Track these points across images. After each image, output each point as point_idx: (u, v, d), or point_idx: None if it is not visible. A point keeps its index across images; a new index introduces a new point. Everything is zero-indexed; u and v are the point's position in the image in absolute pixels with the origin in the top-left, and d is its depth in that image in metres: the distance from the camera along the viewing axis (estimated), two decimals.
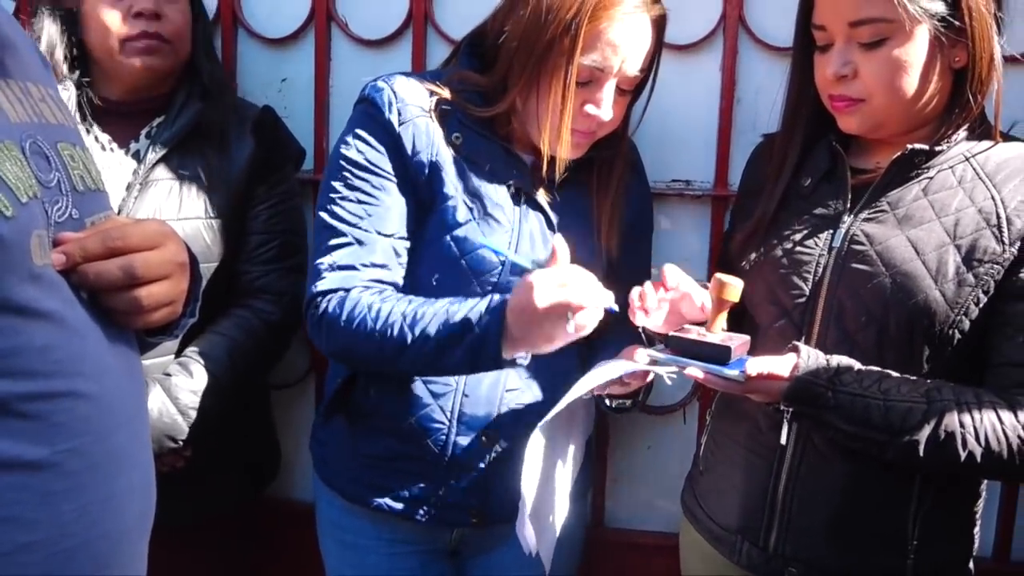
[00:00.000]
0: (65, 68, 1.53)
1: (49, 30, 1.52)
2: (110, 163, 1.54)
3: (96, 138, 1.56)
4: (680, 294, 1.26)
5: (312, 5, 1.82)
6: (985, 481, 1.37)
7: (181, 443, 1.49)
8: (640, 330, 1.32)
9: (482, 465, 1.42)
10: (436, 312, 1.27)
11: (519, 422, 1.40)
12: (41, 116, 0.90)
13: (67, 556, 0.85)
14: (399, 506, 1.45)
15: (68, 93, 1.53)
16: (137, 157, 1.56)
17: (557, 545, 1.44)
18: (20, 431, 0.80)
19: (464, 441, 1.40)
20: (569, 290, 1.15)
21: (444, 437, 1.41)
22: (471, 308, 1.24)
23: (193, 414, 1.49)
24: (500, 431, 1.42)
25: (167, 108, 1.59)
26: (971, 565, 1.35)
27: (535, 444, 1.27)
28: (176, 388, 1.49)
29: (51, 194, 0.86)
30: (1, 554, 0.80)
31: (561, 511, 1.40)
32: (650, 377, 1.32)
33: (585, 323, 1.17)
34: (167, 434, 1.47)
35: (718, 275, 1.23)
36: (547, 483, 1.34)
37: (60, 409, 0.83)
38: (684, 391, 1.82)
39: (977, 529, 1.36)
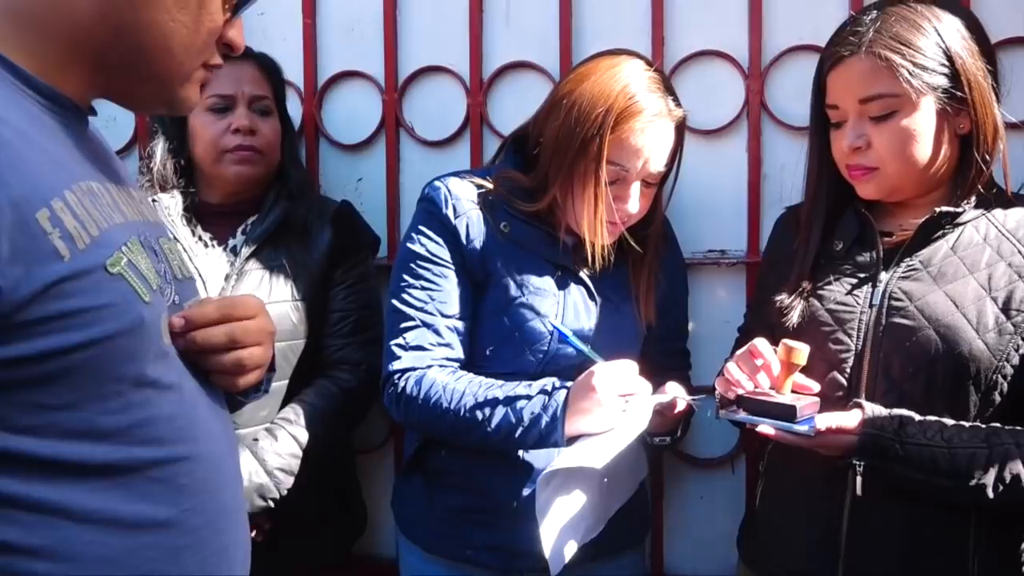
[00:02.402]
0: (175, 178, 1.61)
1: (163, 147, 1.60)
2: (211, 257, 1.58)
3: (200, 236, 1.60)
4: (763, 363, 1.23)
5: (383, 113, 1.85)
6: None
7: (271, 502, 1.48)
8: (717, 395, 1.29)
9: None
10: (507, 394, 1.31)
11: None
12: (144, 215, 0.93)
13: None
14: (472, 554, 1.42)
15: (175, 200, 1.59)
16: (234, 251, 1.60)
17: None
18: (151, 493, 0.81)
19: (528, 492, 1.36)
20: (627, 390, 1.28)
21: (510, 490, 1.38)
22: (535, 403, 1.29)
23: (280, 475, 1.49)
24: None
25: (259, 208, 1.63)
26: None
27: (546, 479, 1.26)
28: (263, 451, 1.49)
29: (163, 282, 0.89)
30: None
31: (575, 530, 1.34)
32: (679, 408, 1.33)
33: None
34: (258, 494, 1.47)
35: (785, 341, 1.21)
36: (566, 505, 1.30)
37: (182, 472, 0.84)
38: (731, 444, 1.76)
39: None
